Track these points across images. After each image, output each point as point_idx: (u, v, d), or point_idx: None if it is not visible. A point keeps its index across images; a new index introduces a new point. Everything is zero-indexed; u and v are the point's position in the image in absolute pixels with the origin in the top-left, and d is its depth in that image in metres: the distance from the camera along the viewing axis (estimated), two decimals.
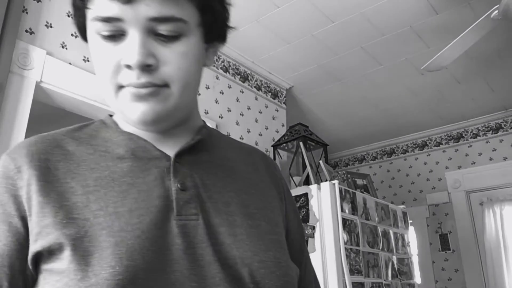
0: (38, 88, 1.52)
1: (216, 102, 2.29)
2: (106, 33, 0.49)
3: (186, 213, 0.49)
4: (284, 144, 2.50)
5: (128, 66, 0.48)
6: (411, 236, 2.55)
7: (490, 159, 3.37)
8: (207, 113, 2.21)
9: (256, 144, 2.48)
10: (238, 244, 0.49)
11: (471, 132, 3.52)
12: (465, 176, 3.44)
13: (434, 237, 3.47)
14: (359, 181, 2.46)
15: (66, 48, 1.65)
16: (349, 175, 2.44)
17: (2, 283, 0.45)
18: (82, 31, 0.54)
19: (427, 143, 3.75)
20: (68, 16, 1.70)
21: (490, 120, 3.42)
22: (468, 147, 3.51)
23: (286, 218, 0.62)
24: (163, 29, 0.48)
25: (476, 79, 2.86)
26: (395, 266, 2.22)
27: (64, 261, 0.43)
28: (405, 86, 2.94)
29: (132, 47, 0.47)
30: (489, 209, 3.21)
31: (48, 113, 3.08)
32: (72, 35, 1.69)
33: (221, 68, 2.41)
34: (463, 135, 3.56)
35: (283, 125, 2.80)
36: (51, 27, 1.62)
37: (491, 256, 3.08)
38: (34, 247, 0.45)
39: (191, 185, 0.52)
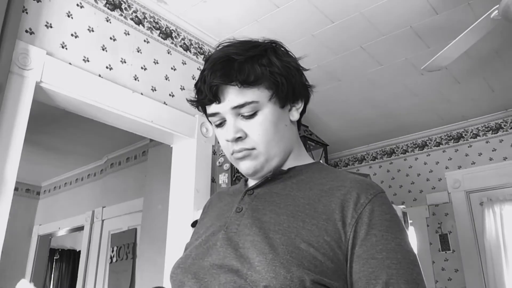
0: (38, 88, 1.52)
1: None
2: (216, 123, 0.77)
3: (231, 228, 0.71)
4: None
5: (228, 141, 0.74)
6: (411, 236, 2.55)
7: (490, 159, 3.37)
8: None
9: None
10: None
11: (471, 132, 3.52)
12: (465, 176, 3.44)
13: (434, 237, 3.47)
14: None
15: (66, 48, 1.65)
16: None
17: None
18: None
19: (427, 143, 3.75)
20: (68, 16, 1.69)
21: (490, 120, 3.42)
22: (468, 147, 3.51)
23: (351, 254, 0.64)
24: (243, 111, 0.73)
25: (476, 79, 2.86)
26: None
27: None
28: (405, 86, 2.94)
29: (228, 128, 0.74)
30: (489, 209, 3.20)
31: (48, 113, 3.08)
32: (72, 35, 1.69)
33: None
34: (463, 135, 3.56)
35: None
36: (51, 27, 1.62)
37: (491, 256, 3.08)
38: None
39: (245, 208, 0.74)
